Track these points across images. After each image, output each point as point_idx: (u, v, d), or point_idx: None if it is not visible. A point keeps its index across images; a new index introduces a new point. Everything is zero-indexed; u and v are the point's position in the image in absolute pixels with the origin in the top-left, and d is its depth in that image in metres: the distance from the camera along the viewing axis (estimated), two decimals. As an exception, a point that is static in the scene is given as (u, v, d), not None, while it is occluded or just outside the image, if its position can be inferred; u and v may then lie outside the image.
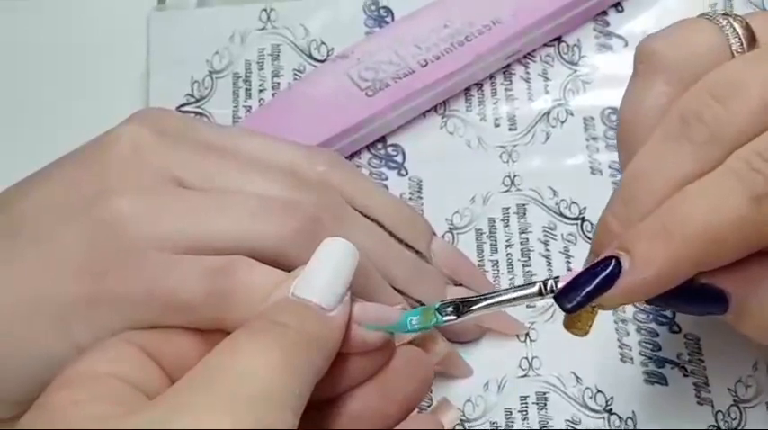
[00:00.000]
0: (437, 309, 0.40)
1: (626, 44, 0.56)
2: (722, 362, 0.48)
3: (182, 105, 0.56)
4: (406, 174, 0.54)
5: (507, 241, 0.52)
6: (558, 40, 0.56)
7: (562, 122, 0.55)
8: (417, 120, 0.55)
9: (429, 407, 0.48)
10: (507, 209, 0.53)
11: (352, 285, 0.38)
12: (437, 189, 0.54)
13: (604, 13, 0.57)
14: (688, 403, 0.48)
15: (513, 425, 0.48)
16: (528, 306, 0.50)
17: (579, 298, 0.38)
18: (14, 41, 0.60)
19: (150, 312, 0.39)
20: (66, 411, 0.34)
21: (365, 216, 0.46)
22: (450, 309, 0.40)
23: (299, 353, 0.35)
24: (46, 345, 0.40)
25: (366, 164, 0.54)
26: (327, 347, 0.36)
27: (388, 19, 0.57)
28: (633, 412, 0.48)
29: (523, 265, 0.51)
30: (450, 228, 0.52)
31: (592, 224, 0.52)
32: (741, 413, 0.47)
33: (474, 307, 0.40)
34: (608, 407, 0.48)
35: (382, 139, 0.55)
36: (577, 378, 0.49)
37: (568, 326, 0.40)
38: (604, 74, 0.55)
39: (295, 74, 0.56)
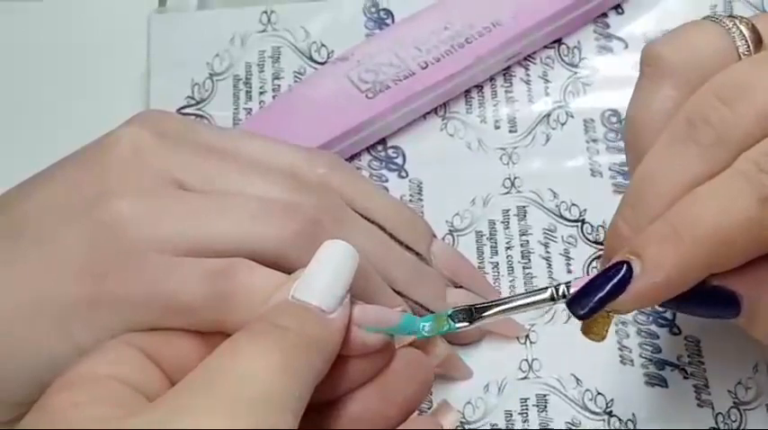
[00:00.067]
0: (449, 316, 0.40)
1: (626, 46, 0.56)
2: (722, 365, 0.48)
3: (182, 108, 0.56)
4: (407, 176, 0.54)
5: (507, 243, 0.52)
6: (559, 42, 0.56)
7: (562, 124, 0.55)
8: (417, 123, 0.55)
9: (429, 409, 0.48)
10: (507, 211, 0.53)
11: (352, 287, 0.38)
12: (437, 191, 0.54)
13: (604, 15, 0.57)
14: (688, 405, 0.48)
15: (513, 427, 0.48)
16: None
17: (591, 304, 0.38)
18: (15, 43, 0.60)
19: (150, 314, 0.39)
20: (67, 413, 0.34)
21: (365, 218, 0.46)
22: (462, 315, 0.40)
23: (299, 356, 0.35)
24: (47, 346, 0.40)
25: (366, 166, 0.54)
26: (327, 350, 0.36)
27: (389, 21, 0.57)
28: (633, 414, 0.48)
29: (524, 267, 0.51)
30: (450, 230, 0.52)
31: (592, 226, 0.52)
32: (741, 415, 0.47)
33: (486, 313, 0.40)
34: (608, 409, 0.48)
35: (382, 141, 0.55)
36: (577, 380, 0.49)
37: (585, 331, 0.40)
38: (605, 76, 0.56)
39: (295, 76, 0.56)
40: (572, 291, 0.39)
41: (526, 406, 0.48)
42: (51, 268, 0.40)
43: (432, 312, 0.47)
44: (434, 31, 0.55)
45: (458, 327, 0.40)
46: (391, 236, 0.47)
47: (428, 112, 0.55)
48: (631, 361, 0.49)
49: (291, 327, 0.36)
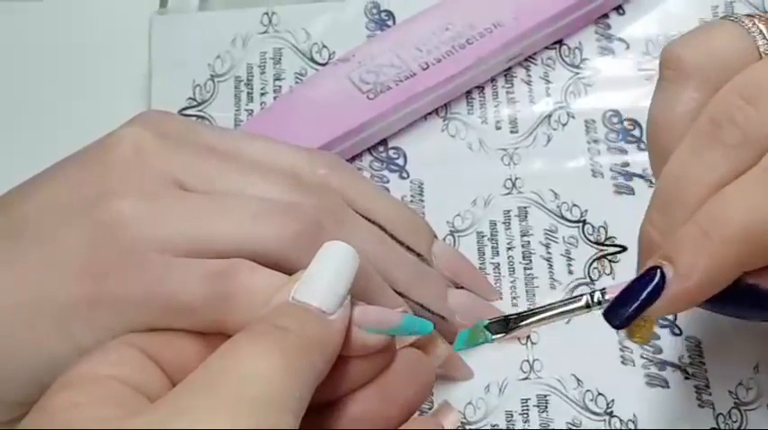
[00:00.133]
0: (486, 327, 0.40)
1: (627, 47, 0.56)
2: (723, 365, 0.48)
3: (183, 109, 0.56)
4: (408, 176, 0.54)
5: (509, 244, 0.52)
6: (560, 42, 0.56)
7: (563, 125, 0.55)
8: (419, 123, 0.55)
9: (430, 409, 0.48)
10: (508, 211, 0.53)
11: (352, 288, 0.38)
12: (438, 192, 0.54)
13: (606, 15, 0.57)
14: (689, 406, 0.48)
15: (514, 428, 0.48)
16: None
17: (628, 313, 0.38)
18: (15, 43, 0.60)
19: (151, 314, 0.39)
20: (67, 413, 0.34)
21: (366, 219, 0.46)
22: (498, 326, 0.40)
23: (299, 357, 0.35)
24: (47, 347, 0.40)
25: (367, 166, 0.54)
26: (328, 350, 0.36)
27: (390, 22, 0.57)
28: (634, 415, 0.48)
29: (525, 268, 0.51)
30: (451, 231, 0.52)
31: (593, 227, 0.52)
32: (742, 415, 0.47)
33: (522, 322, 0.40)
34: (609, 410, 0.48)
35: (383, 142, 0.55)
36: (578, 380, 0.49)
37: (628, 336, 0.40)
38: (606, 76, 0.56)
39: (296, 77, 0.56)
40: (607, 297, 0.39)
41: (527, 406, 0.48)
42: (52, 268, 0.40)
43: (432, 312, 0.47)
44: (435, 31, 0.55)
45: (494, 338, 0.40)
46: (392, 236, 0.47)
47: (429, 113, 0.55)
48: (632, 361, 0.49)
49: (292, 328, 0.36)
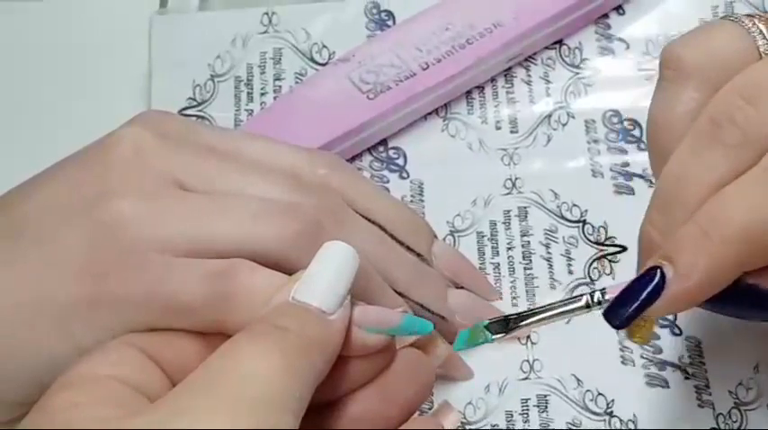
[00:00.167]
0: (486, 327, 0.40)
1: (627, 47, 0.56)
2: (723, 365, 0.48)
3: (183, 109, 0.56)
4: (408, 176, 0.54)
5: (509, 244, 0.52)
6: (560, 42, 0.56)
7: (563, 125, 0.55)
8: (419, 123, 0.55)
9: (430, 409, 0.48)
10: (508, 211, 0.53)
11: (352, 288, 0.38)
12: (438, 192, 0.54)
13: (606, 15, 0.57)
14: (689, 406, 0.48)
15: (514, 428, 0.48)
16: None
17: (628, 313, 0.38)
18: (15, 43, 0.60)
19: (151, 314, 0.39)
20: (67, 413, 0.34)
21: (366, 219, 0.46)
22: (498, 326, 0.40)
23: (299, 357, 0.35)
24: (47, 347, 0.40)
25: (367, 166, 0.54)
26: (328, 350, 0.36)
27: (390, 22, 0.57)
28: (634, 415, 0.48)
29: (525, 268, 0.51)
30: (451, 231, 0.52)
31: (593, 227, 0.52)
32: (742, 415, 0.47)
33: (522, 323, 0.40)
34: (609, 410, 0.48)
35: (383, 142, 0.55)
36: (578, 380, 0.49)
37: (628, 336, 0.40)
38: (606, 76, 0.56)
39: (296, 77, 0.56)
40: (607, 297, 0.39)
41: (527, 406, 0.48)
42: (52, 268, 0.40)
43: (432, 312, 0.47)
44: (435, 31, 0.55)
45: (494, 338, 0.40)
46: (392, 236, 0.47)
47: (429, 113, 0.55)
48: (632, 361, 0.49)
49: (292, 328, 0.36)
